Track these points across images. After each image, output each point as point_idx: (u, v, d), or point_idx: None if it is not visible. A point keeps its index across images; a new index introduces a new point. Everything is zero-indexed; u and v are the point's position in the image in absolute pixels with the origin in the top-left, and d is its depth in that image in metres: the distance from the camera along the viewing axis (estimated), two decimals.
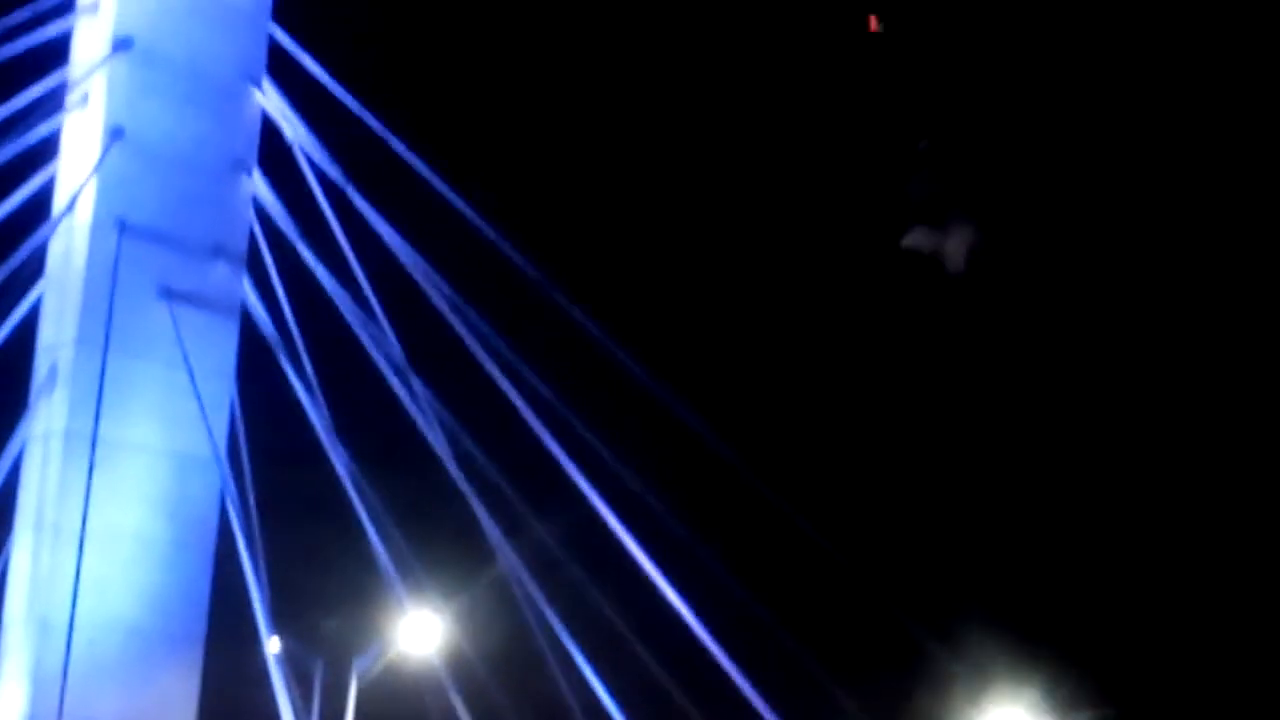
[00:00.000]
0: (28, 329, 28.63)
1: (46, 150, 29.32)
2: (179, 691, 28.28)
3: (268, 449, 29.59)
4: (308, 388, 29.51)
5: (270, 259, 29.88)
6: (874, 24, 47.43)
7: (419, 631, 29.82)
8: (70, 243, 28.72)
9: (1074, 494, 47.32)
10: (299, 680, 29.54)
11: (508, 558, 28.53)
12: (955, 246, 43.70)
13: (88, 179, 28.60)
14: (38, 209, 29.13)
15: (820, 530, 27.96)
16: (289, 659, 28.59)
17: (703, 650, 26.13)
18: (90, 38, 29.49)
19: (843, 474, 45.55)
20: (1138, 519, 47.33)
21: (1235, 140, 47.99)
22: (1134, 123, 48.45)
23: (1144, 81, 48.35)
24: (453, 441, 29.26)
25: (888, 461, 47.24)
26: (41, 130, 29.03)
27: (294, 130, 30.25)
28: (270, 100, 30.33)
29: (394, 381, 29.79)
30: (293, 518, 30.65)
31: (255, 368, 29.79)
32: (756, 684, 26.14)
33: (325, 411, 29.44)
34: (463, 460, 29.12)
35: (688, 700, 27.43)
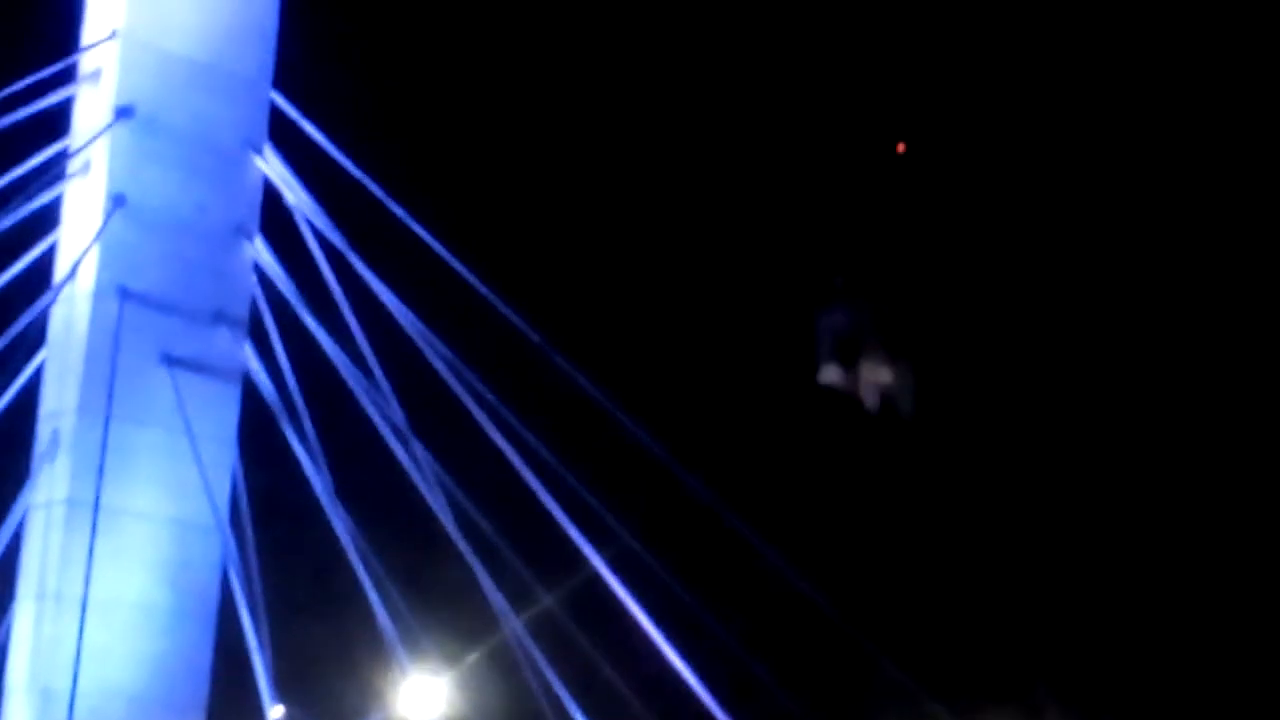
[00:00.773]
0: (29, 397, 28.68)
1: (48, 218, 29.44)
2: None
3: (269, 514, 29.61)
4: (309, 452, 29.52)
5: (272, 324, 29.95)
6: (901, 148, 48.12)
7: (420, 696, 29.69)
8: (72, 310, 28.78)
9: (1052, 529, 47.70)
10: None
11: (509, 622, 28.48)
12: (868, 384, 43.86)
13: (89, 246, 28.69)
14: (39, 277, 29.23)
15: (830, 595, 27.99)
16: None
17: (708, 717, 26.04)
18: (92, 106, 29.65)
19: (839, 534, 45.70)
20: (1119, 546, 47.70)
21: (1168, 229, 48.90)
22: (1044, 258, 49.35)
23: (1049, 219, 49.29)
24: (454, 505, 29.26)
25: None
26: (43, 198, 29.18)
27: (295, 195, 30.37)
28: (272, 166, 30.47)
29: (395, 445, 29.81)
30: (295, 583, 30.62)
31: (257, 433, 29.82)
32: None
33: (327, 476, 29.45)
34: (464, 524, 29.11)
35: None
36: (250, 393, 29.84)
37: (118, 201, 29.00)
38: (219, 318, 29.65)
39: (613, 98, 47.82)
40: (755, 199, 49.06)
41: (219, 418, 29.39)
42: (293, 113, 30.77)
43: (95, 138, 29.24)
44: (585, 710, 27.80)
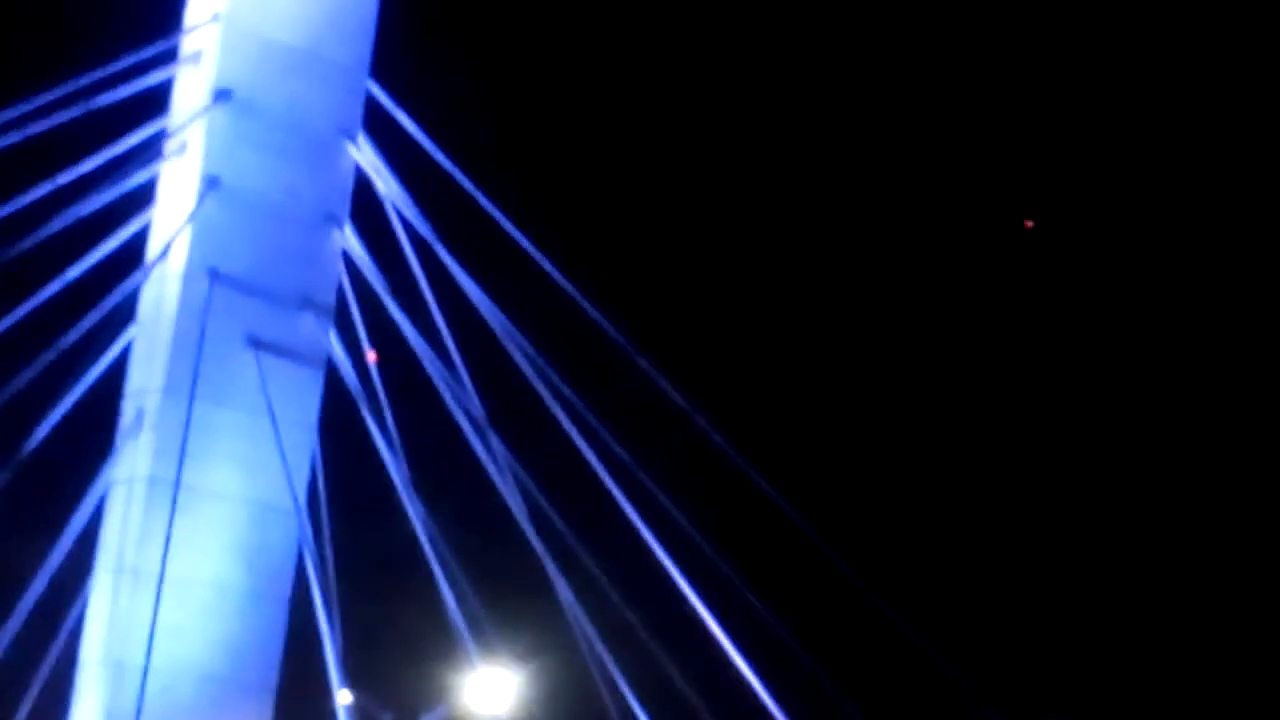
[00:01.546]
0: (117, 373, 28.97)
1: (143, 197, 29.73)
2: None
3: (346, 501, 29.77)
4: (388, 441, 29.66)
5: (357, 312, 30.12)
6: (1029, 224, 48.19)
7: (488, 690, 29.79)
8: (162, 289, 29.05)
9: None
10: None
11: (580, 621, 28.50)
12: None
13: (182, 227, 28.96)
14: (131, 255, 29.52)
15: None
16: (359, 712, 28.66)
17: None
18: (191, 87, 29.91)
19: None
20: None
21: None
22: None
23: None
24: (529, 501, 29.32)
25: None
26: (139, 177, 29.46)
27: (386, 185, 30.54)
28: (364, 155, 30.63)
29: (473, 438, 29.90)
30: (368, 571, 30.80)
31: (337, 420, 30.00)
32: None
33: (404, 465, 29.57)
34: (538, 520, 29.17)
35: None
36: (333, 380, 30.04)
37: (211, 183, 29.24)
38: (305, 303, 29.84)
39: (712, 95, 47.87)
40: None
41: (301, 402, 29.57)
42: (388, 102, 30.94)
43: (193, 119, 29.50)
44: (652, 715, 27.79)
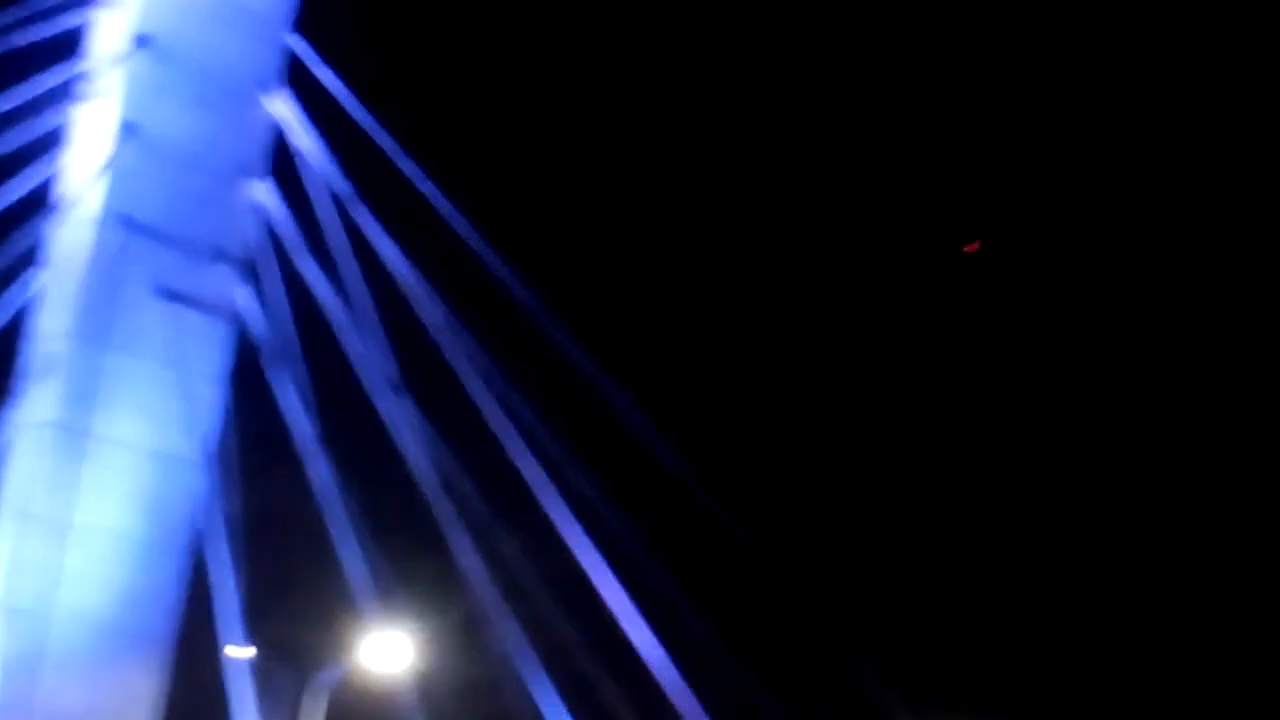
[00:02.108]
0: (25, 317, 28.65)
1: (57, 140, 29.38)
2: (143, 689, 28.28)
3: (252, 456, 29.63)
4: (296, 398, 29.52)
5: (270, 267, 29.95)
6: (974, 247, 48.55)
7: (387, 650, 29.84)
8: (74, 235, 28.75)
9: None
10: (263, 690, 29.50)
11: (482, 584, 28.56)
12: None
13: (98, 172, 28.65)
14: (42, 199, 29.16)
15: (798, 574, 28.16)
16: (254, 668, 28.57)
17: (679, 697, 26.18)
18: (111, 31, 29.57)
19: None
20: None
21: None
22: None
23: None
24: (436, 464, 29.30)
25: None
26: (54, 120, 29.11)
27: (303, 140, 30.34)
28: (283, 108, 30.43)
29: (383, 399, 29.82)
30: (271, 526, 30.65)
31: (246, 374, 29.84)
32: None
33: (311, 422, 29.46)
34: (445, 483, 29.17)
35: None
36: (242, 333, 29.85)
37: (129, 130, 28.95)
38: (218, 255, 29.63)
39: (625, 66, 47.87)
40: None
41: (210, 354, 29.41)
42: (308, 57, 30.72)
43: (112, 64, 29.17)
44: (551, 679, 27.93)
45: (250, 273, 29.99)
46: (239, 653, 27.87)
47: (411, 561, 29.41)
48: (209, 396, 29.32)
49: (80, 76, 29.41)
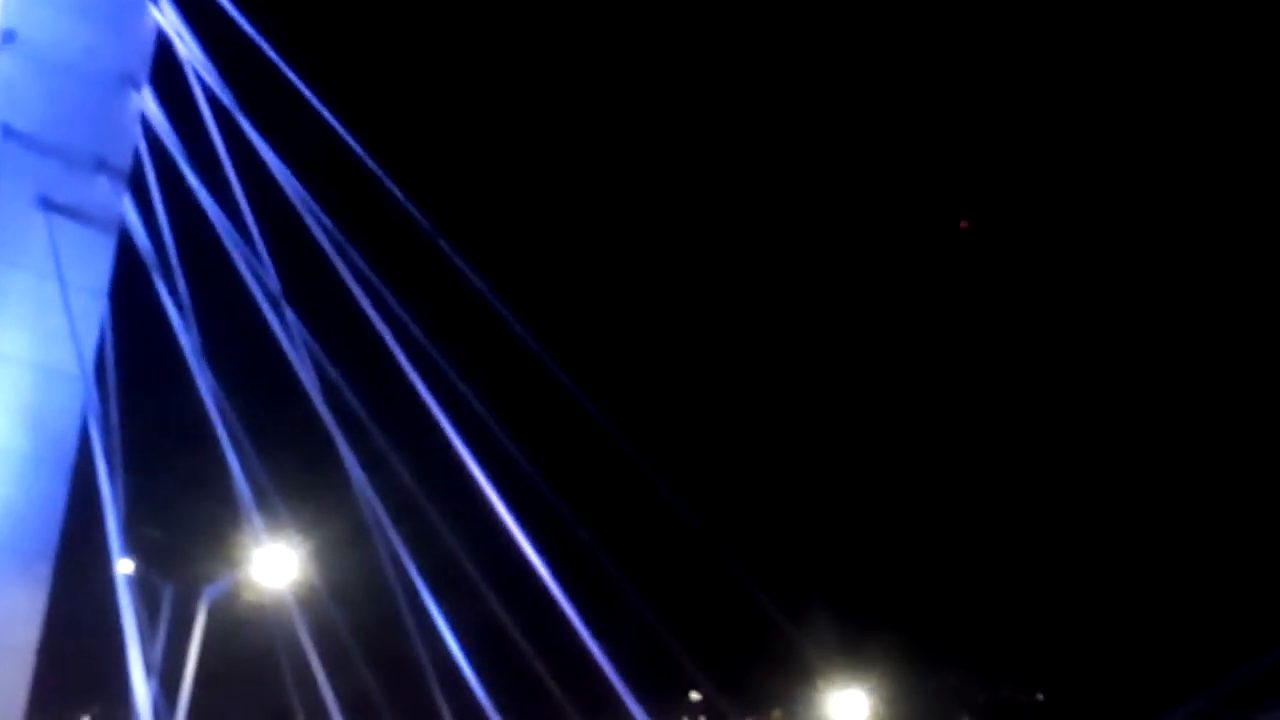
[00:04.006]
0: None
1: None
2: (25, 605, 27.97)
3: (135, 370, 29.36)
4: (180, 311, 29.25)
5: (153, 178, 29.55)
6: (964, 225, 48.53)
7: (273, 564, 29.80)
8: None
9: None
10: (148, 605, 29.43)
11: (368, 499, 28.57)
12: None
13: None
14: None
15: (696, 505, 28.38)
16: (139, 582, 28.45)
17: (558, 609, 26.34)
18: None
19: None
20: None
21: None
22: None
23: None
24: (322, 377, 29.20)
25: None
26: None
27: (188, 49, 29.87)
28: (166, 17, 29.91)
29: (268, 312, 29.63)
30: (155, 441, 30.48)
31: (129, 286, 29.50)
32: (606, 646, 26.46)
33: (195, 335, 29.22)
34: (331, 397, 29.09)
35: (539, 657, 27.74)
36: (126, 246, 29.48)
37: (7, 37, 28.35)
38: (100, 166, 29.11)
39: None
40: None
41: (92, 267, 28.94)
42: None
43: None
44: (435, 592, 28.02)
45: (133, 184, 29.58)
46: (125, 567, 27.72)
47: (299, 476, 29.34)
48: (92, 309, 28.90)
49: None
